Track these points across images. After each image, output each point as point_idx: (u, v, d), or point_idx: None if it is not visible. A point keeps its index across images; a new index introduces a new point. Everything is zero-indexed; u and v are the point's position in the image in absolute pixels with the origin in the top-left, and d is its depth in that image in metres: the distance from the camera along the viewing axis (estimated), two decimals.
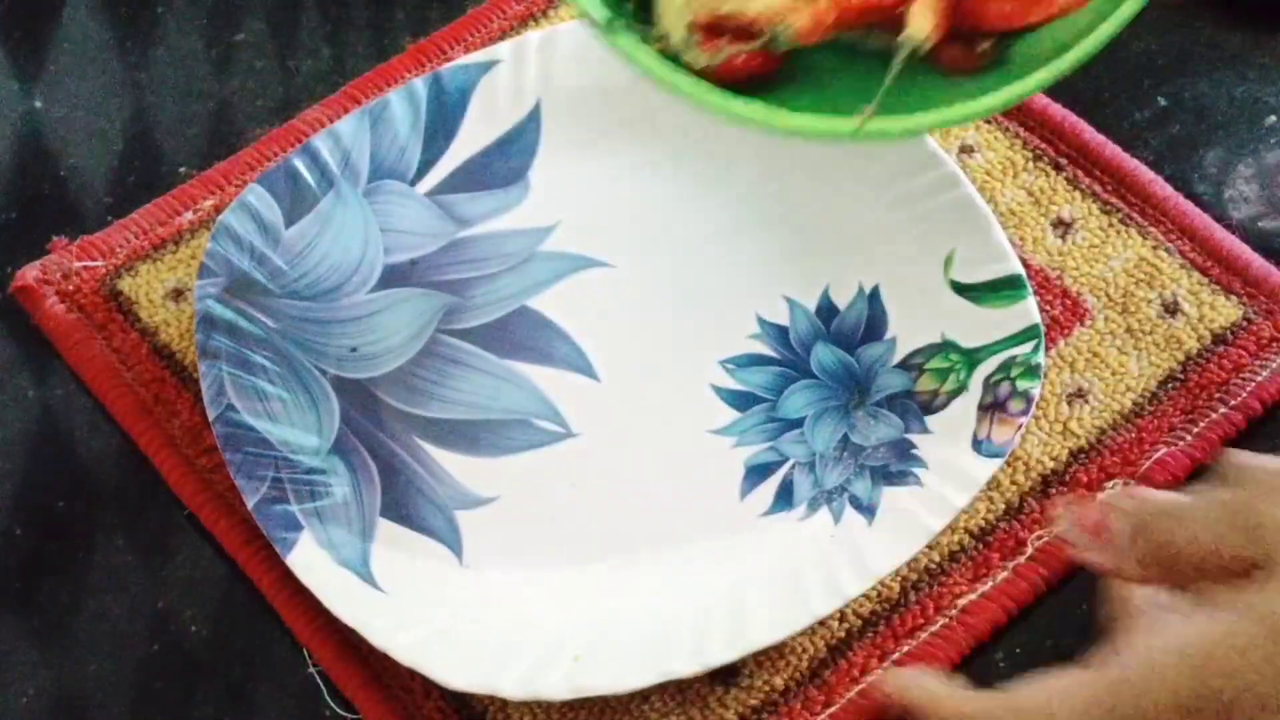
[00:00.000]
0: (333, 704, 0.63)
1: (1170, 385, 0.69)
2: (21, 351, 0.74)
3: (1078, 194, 0.74)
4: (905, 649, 0.63)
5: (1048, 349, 0.69)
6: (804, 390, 0.68)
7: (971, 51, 0.54)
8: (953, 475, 0.63)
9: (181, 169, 0.79)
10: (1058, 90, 0.77)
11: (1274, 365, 0.69)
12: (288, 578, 0.64)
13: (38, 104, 0.82)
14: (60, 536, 0.69)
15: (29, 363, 0.74)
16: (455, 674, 0.60)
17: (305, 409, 0.68)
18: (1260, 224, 0.74)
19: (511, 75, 0.76)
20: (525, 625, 0.62)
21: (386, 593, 0.63)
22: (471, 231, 0.73)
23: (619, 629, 0.62)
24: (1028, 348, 0.66)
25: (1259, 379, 0.68)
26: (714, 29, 0.54)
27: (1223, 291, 0.71)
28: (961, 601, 0.64)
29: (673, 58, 0.54)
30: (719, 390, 0.69)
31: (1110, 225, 0.73)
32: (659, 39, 0.54)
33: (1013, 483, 0.67)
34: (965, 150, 0.76)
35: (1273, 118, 0.77)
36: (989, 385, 0.65)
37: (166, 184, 0.78)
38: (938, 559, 0.65)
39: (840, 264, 0.67)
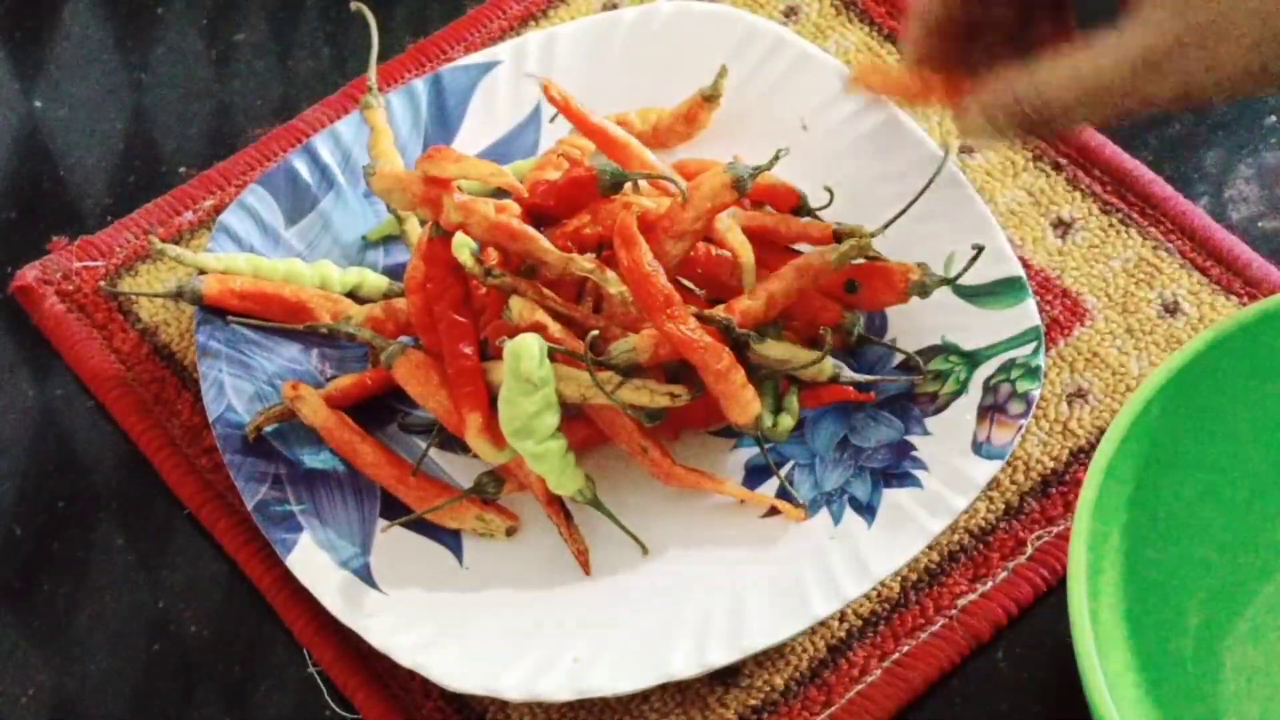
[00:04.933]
0: (333, 704, 0.63)
1: None
2: (21, 351, 0.74)
3: (1078, 194, 0.74)
4: (905, 649, 0.63)
5: (1048, 349, 0.69)
6: None
7: None
8: (952, 477, 0.63)
9: (181, 169, 0.79)
10: None
11: None
12: (288, 578, 0.64)
13: (38, 104, 0.82)
14: (60, 536, 0.69)
15: (29, 363, 0.74)
16: (455, 675, 0.60)
17: None
18: (1260, 224, 0.74)
19: (511, 76, 0.76)
20: (525, 626, 0.62)
21: (386, 594, 0.63)
22: None
23: (619, 630, 0.62)
24: (1028, 349, 0.66)
25: None
26: None
27: (1223, 291, 0.71)
28: (961, 601, 0.64)
29: None
30: None
31: (1110, 225, 0.73)
32: None
33: (1012, 483, 0.67)
34: (965, 150, 0.76)
35: (1273, 118, 0.77)
36: (989, 387, 0.65)
37: (166, 184, 0.78)
38: (938, 559, 0.65)
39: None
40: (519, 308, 0.63)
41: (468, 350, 0.64)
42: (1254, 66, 0.50)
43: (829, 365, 0.66)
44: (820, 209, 0.70)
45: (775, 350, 0.64)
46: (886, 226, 0.66)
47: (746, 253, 0.66)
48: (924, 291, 0.66)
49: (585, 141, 0.72)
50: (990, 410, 0.65)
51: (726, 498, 0.65)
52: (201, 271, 0.70)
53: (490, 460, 0.64)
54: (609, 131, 0.69)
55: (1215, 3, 0.49)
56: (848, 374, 0.66)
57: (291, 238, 0.72)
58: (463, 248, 0.64)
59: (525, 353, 0.61)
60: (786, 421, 0.65)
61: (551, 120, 0.73)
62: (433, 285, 0.65)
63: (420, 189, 0.65)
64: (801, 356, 0.64)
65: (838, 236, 0.66)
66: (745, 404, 0.63)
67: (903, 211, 0.66)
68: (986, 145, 0.56)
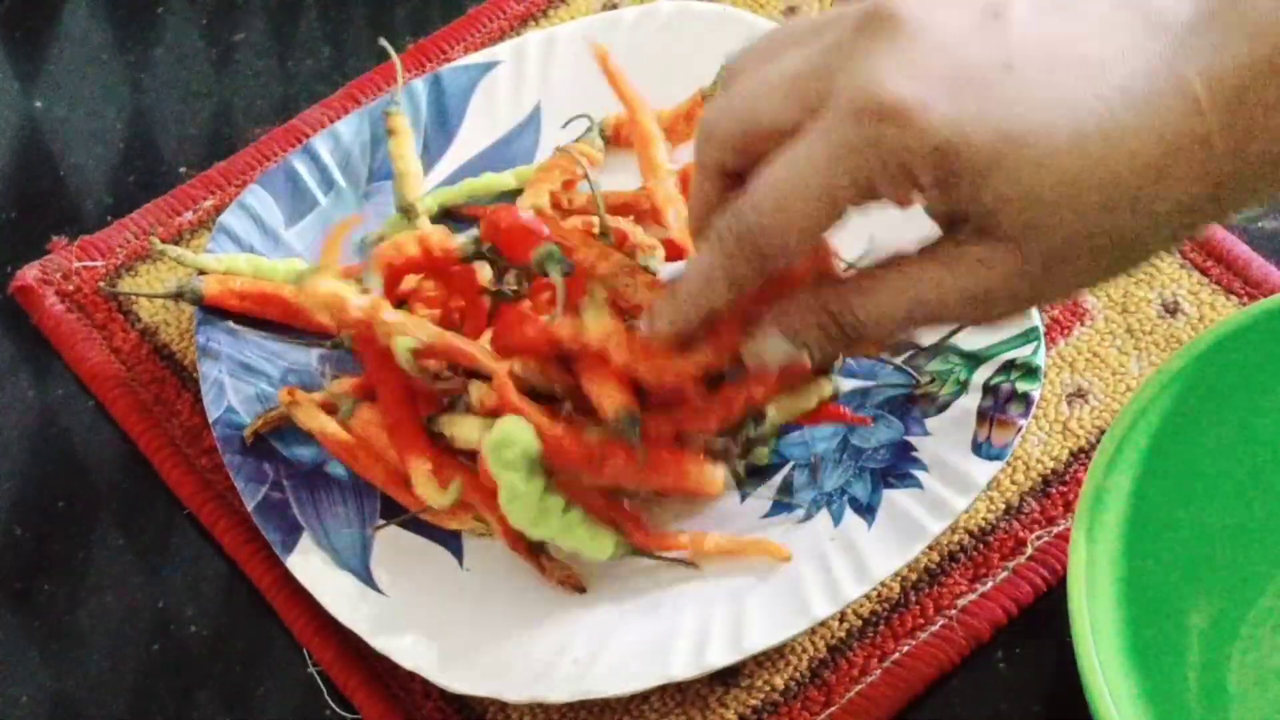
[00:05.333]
0: (333, 704, 0.63)
1: None
2: (21, 351, 0.74)
3: None
4: (905, 649, 0.63)
5: (1048, 349, 0.69)
6: None
7: None
8: (952, 477, 0.63)
9: (181, 169, 0.79)
10: None
11: None
12: (288, 578, 0.64)
13: (38, 104, 0.82)
14: (60, 536, 0.69)
15: (29, 363, 0.74)
16: (455, 676, 0.60)
17: None
18: (1260, 224, 0.74)
19: (511, 76, 0.76)
20: (525, 628, 0.62)
21: (387, 595, 0.63)
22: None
23: (619, 631, 0.62)
24: (1028, 350, 0.66)
25: None
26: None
27: (1223, 291, 0.71)
28: (961, 601, 0.64)
29: None
30: None
31: None
32: None
33: (1013, 483, 0.67)
34: None
35: None
36: (989, 387, 0.65)
37: (166, 184, 0.78)
38: (938, 559, 0.65)
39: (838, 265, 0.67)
40: (478, 395, 0.62)
41: (408, 408, 0.64)
42: (1084, 287, 0.50)
43: (828, 387, 0.64)
44: None
45: (775, 418, 0.63)
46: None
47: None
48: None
49: (587, 149, 0.72)
50: (990, 410, 0.65)
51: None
52: (201, 272, 0.70)
53: (437, 504, 0.63)
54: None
55: (1051, 241, 0.48)
56: (847, 384, 0.65)
57: (291, 238, 0.72)
58: (404, 351, 0.63)
59: (511, 440, 0.59)
60: (763, 454, 0.64)
61: (565, 126, 0.73)
62: (372, 367, 0.65)
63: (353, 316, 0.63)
64: (800, 405, 0.63)
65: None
66: (708, 483, 0.62)
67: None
68: (776, 362, 0.55)
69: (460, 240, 0.63)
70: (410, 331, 0.62)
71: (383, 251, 0.63)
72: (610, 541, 0.62)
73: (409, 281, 0.67)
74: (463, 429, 0.62)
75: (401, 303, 0.66)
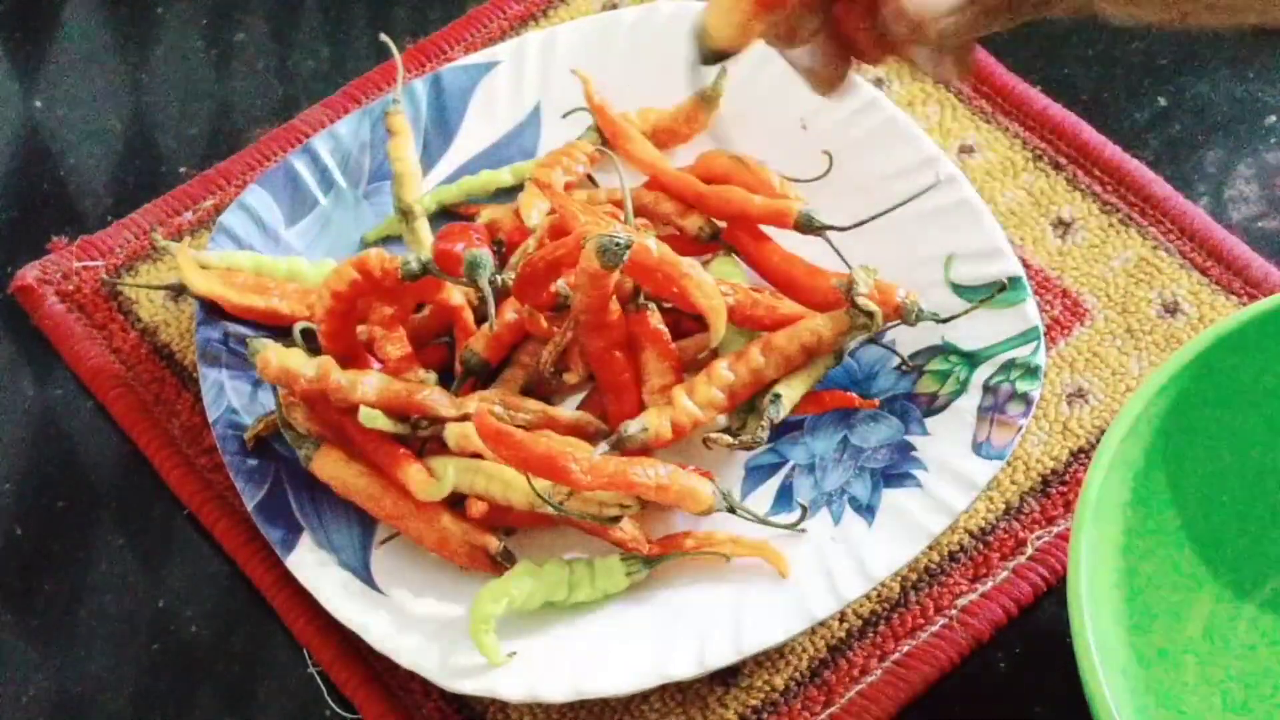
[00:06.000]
0: (333, 704, 0.63)
1: None
2: (21, 351, 0.74)
3: (1078, 194, 0.74)
4: (905, 649, 0.63)
5: (1048, 349, 0.69)
6: None
7: None
8: (952, 477, 0.63)
9: (181, 169, 0.79)
10: (1058, 90, 0.78)
11: None
12: (288, 578, 0.64)
13: (38, 104, 0.82)
14: (60, 536, 0.69)
15: (29, 363, 0.74)
16: (455, 676, 0.60)
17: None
18: (1260, 224, 0.74)
19: (511, 76, 0.76)
20: (525, 628, 0.62)
21: (386, 594, 0.63)
22: None
23: (619, 631, 0.62)
24: (1027, 350, 0.65)
25: None
26: None
27: (1223, 291, 0.71)
28: (961, 601, 0.64)
29: None
30: None
31: (1110, 225, 0.73)
32: None
33: (1013, 483, 0.67)
34: (965, 150, 0.76)
35: (1273, 118, 0.77)
36: (989, 387, 0.65)
37: (166, 184, 0.78)
38: (938, 559, 0.65)
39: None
40: (455, 437, 0.63)
41: (380, 438, 0.64)
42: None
43: (831, 359, 0.65)
44: (817, 178, 0.69)
45: (790, 395, 0.63)
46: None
47: (716, 313, 0.64)
48: (910, 319, 0.66)
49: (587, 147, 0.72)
50: (990, 410, 0.65)
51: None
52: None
53: (436, 495, 0.63)
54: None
55: None
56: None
57: (291, 238, 0.72)
58: (370, 421, 0.64)
59: (500, 595, 0.61)
60: (756, 425, 0.64)
61: (565, 116, 0.73)
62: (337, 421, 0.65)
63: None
64: (810, 378, 0.64)
65: (849, 295, 0.65)
66: (697, 499, 0.62)
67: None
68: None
69: (400, 258, 0.63)
70: (362, 391, 0.63)
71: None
72: (620, 572, 0.62)
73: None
74: (445, 469, 0.63)
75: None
